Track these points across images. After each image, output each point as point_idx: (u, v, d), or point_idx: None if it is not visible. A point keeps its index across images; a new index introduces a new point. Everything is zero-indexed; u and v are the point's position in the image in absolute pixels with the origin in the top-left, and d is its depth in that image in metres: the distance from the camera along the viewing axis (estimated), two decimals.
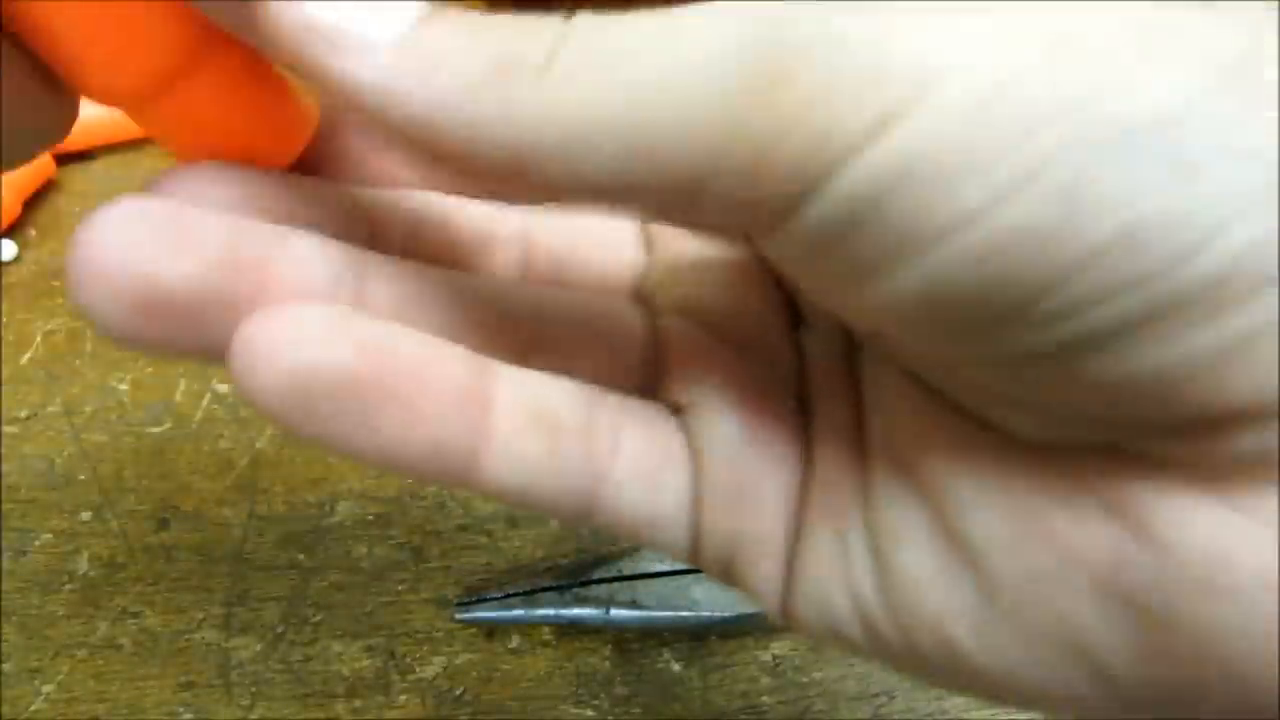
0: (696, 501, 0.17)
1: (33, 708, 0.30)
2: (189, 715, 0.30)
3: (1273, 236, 0.11)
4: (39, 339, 0.39)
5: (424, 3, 0.14)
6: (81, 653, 0.31)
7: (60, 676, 0.31)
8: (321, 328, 0.15)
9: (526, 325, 0.18)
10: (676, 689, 0.31)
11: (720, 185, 0.13)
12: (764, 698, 0.31)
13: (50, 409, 0.37)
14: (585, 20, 0.13)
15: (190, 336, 0.15)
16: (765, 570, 0.17)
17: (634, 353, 0.18)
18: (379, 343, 0.15)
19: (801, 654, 0.32)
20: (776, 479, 0.17)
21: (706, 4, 0.13)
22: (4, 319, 0.39)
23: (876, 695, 0.31)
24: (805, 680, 0.31)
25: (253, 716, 0.30)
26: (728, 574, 0.17)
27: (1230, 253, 0.11)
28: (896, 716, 0.31)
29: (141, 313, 0.14)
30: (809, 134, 0.12)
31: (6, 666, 0.31)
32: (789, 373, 0.18)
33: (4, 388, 0.37)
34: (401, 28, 0.14)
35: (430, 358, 0.15)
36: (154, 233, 0.14)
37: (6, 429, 0.36)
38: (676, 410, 0.18)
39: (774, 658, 0.32)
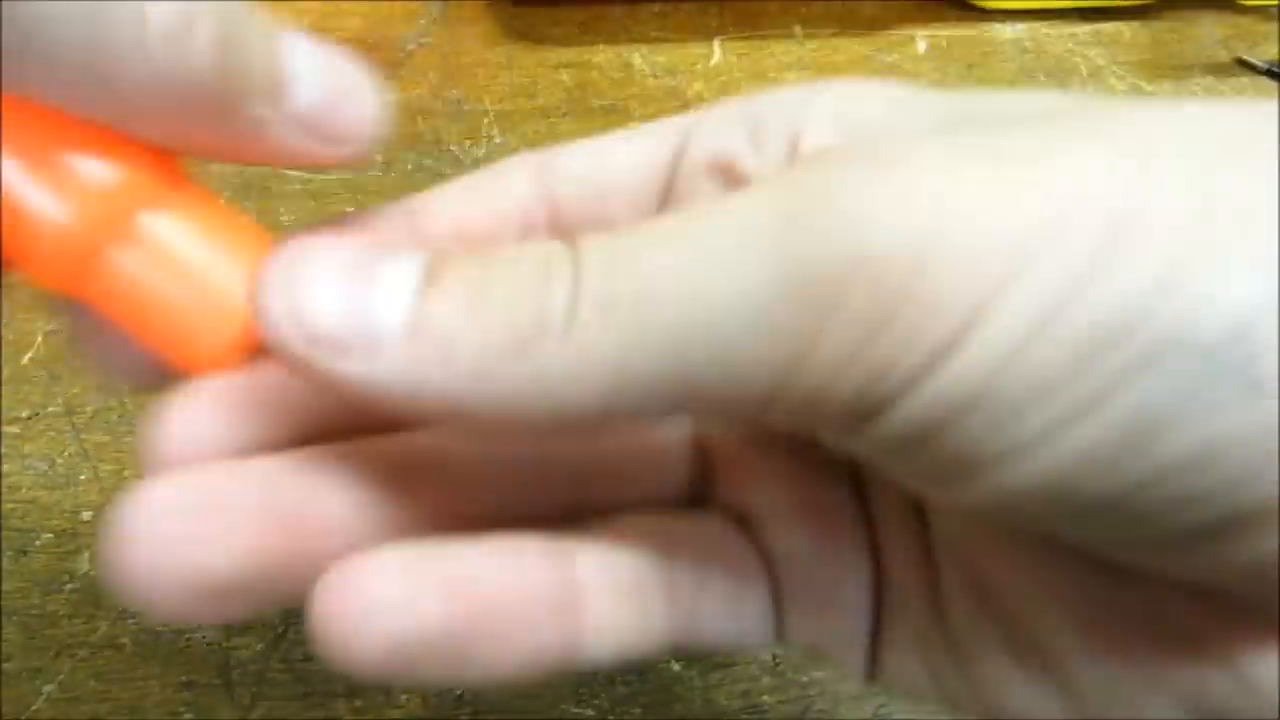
0: (778, 608, 0.17)
1: (34, 707, 0.30)
2: (190, 715, 0.30)
3: None
4: (40, 339, 0.39)
5: (412, 266, 0.13)
6: (82, 652, 0.31)
7: (61, 676, 0.31)
8: (403, 584, 0.14)
9: (568, 482, 0.17)
10: (676, 689, 0.31)
11: (781, 409, 0.13)
12: (764, 697, 0.31)
13: (51, 409, 0.37)
14: (593, 255, 0.13)
15: (249, 604, 0.15)
16: (852, 660, 0.17)
17: (682, 470, 0.18)
18: (462, 579, 0.14)
19: (801, 654, 0.32)
20: (855, 580, 0.17)
21: (721, 208, 0.13)
22: (4, 319, 0.39)
23: (876, 695, 0.31)
24: (805, 680, 0.31)
25: (254, 716, 0.30)
26: (814, 656, 0.18)
27: None
28: (897, 716, 0.31)
29: (199, 599, 0.14)
30: (867, 369, 0.12)
31: (7, 666, 0.31)
32: (842, 472, 0.18)
33: (5, 387, 0.37)
34: (403, 313, 0.13)
35: (513, 574, 0.15)
36: (188, 525, 0.14)
37: (7, 429, 0.36)
38: (739, 520, 0.17)
39: (774, 657, 0.32)
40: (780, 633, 0.17)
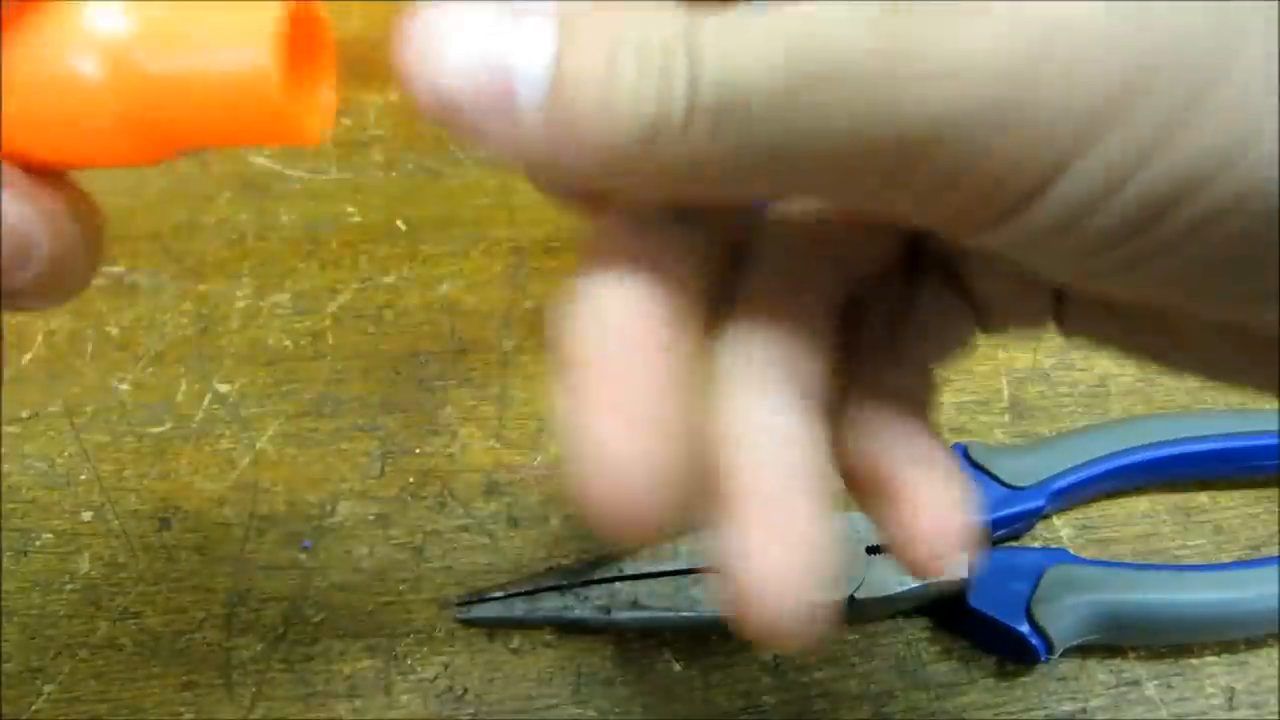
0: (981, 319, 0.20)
1: (34, 707, 0.30)
2: (190, 715, 0.30)
3: None
4: (40, 339, 0.39)
5: (544, 25, 0.14)
6: (83, 653, 0.31)
7: (61, 676, 0.31)
8: None
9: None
10: (677, 689, 0.31)
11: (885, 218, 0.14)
12: (764, 697, 0.31)
13: (51, 409, 0.37)
14: (707, 50, 0.13)
15: None
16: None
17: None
18: None
19: (802, 654, 0.32)
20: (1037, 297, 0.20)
21: (823, 26, 0.13)
22: (4, 319, 0.39)
23: (877, 695, 0.31)
24: (805, 680, 0.31)
25: (254, 716, 0.30)
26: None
27: None
28: (897, 716, 0.31)
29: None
30: (962, 201, 0.13)
31: (8, 666, 0.31)
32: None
33: (5, 388, 0.37)
34: (541, 78, 0.14)
35: None
36: None
37: (7, 429, 0.36)
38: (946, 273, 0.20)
39: (774, 657, 0.32)
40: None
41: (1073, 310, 0.19)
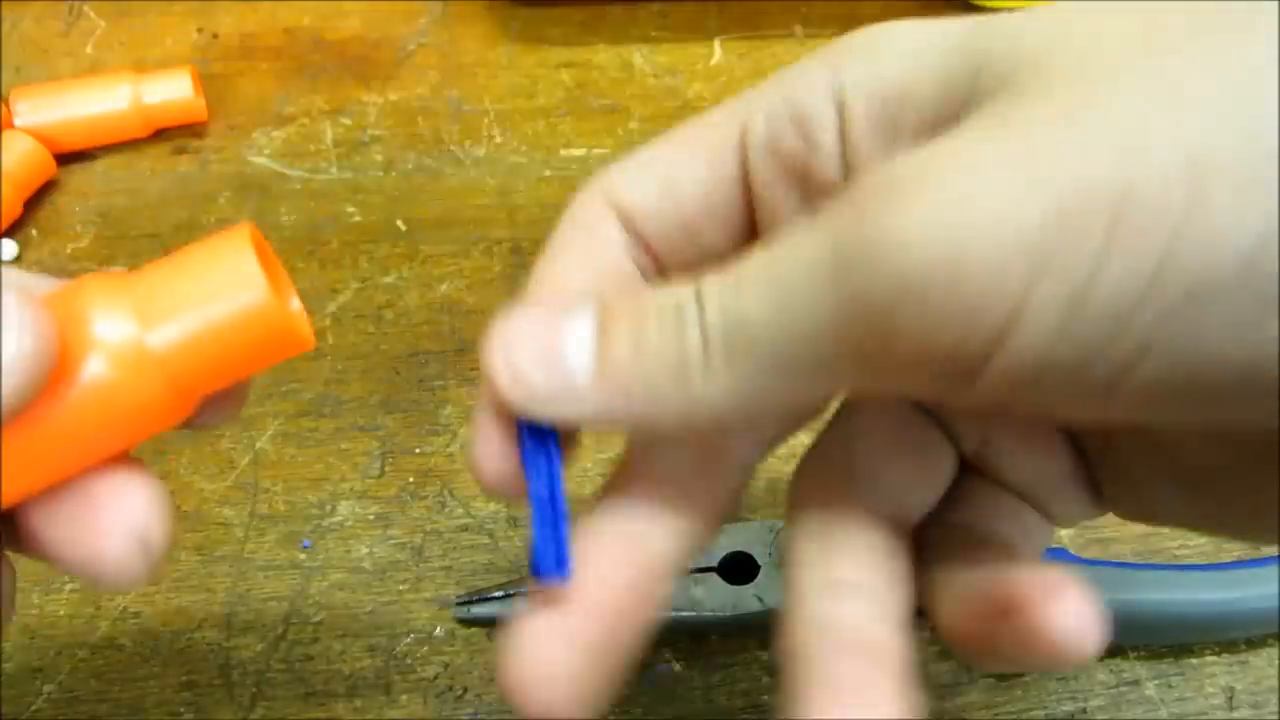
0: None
1: (34, 707, 0.30)
2: (190, 715, 0.30)
3: None
4: None
5: (587, 322, 0.18)
6: (82, 652, 0.31)
7: (61, 676, 0.31)
8: None
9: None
10: (677, 689, 0.31)
11: (879, 394, 0.17)
12: (765, 697, 0.31)
13: None
14: (709, 300, 0.16)
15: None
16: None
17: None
18: None
19: None
20: (1069, 475, 0.22)
21: (786, 253, 0.16)
22: None
23: None
24: None
25: (254, 716, 0.30)
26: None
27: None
28: None
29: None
30: (933, 368, 0.15)
31: (8, 666, 0.31)
32: None
33: None
34: (588, 366, 0.17)
35: None
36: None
37: None
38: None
39: (775, 657, 0.32)
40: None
41: (1107, 484, 0.21)
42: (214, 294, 0.18)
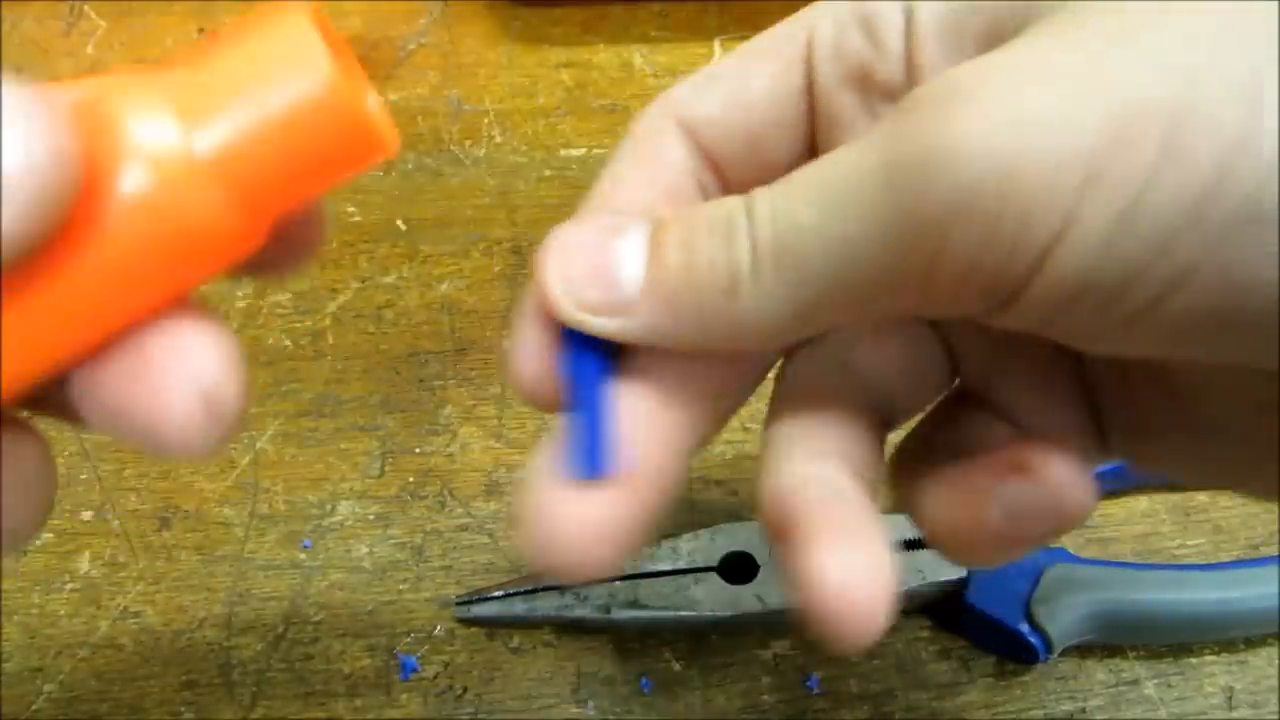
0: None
1: (34, 707, 0.30)
2: (190, 714, 0.30)
3: None
4: None
5: (638, 239, 0.18)
6: (83, 652, 0.32)
7: (62, 676, 0.31)
8: None
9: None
10: (677, 688, 0.31)
11: (927, 313, 0.16)
12: (764, 697, 0.31)
13: None
14: (759, 212, 0.16)
15: None
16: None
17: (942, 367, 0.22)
18: None
19: (802, 653, 0.32)
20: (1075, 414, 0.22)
21: (843, 162, 0.16)
22: None
23: (876, 695, 0.31)
24: (805, 680, 0.31)
25: (254, 716, 0.30)
26: None
27: None
28: (896, 716, 0.31)
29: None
30: (984, 277, 0.15)
31: (8, 666, 0.31)
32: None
33: None
34: (639, 281, 0.17)
35: None
36: None
37: None
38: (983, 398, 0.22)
39: (774, 657, 0.32)
40: None
41: (1115, 432, 0.21)
42: (271, 80, 0.14)
